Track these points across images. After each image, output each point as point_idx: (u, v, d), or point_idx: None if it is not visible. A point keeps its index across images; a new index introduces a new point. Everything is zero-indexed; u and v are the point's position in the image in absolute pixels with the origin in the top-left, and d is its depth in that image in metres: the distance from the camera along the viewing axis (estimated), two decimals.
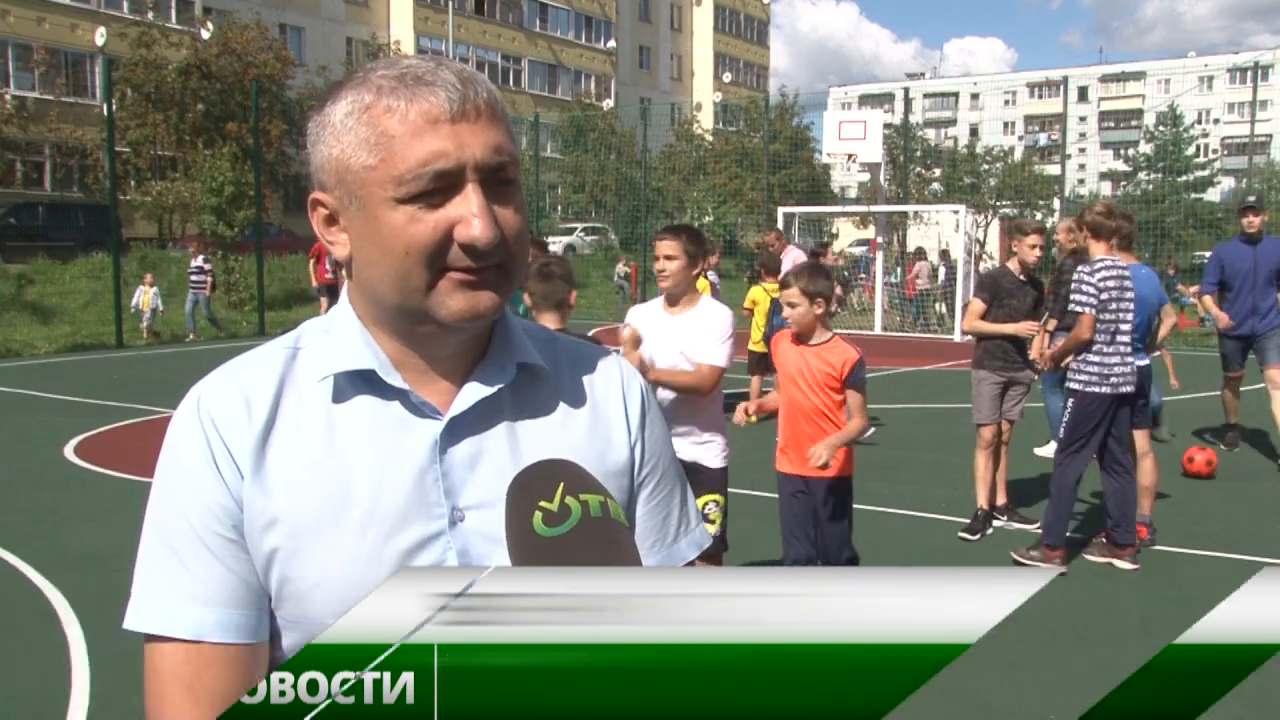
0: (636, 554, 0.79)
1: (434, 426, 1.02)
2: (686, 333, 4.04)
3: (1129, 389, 5.43)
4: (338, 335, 1.05)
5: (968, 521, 6.21)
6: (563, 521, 0.77)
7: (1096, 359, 5.42)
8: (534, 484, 0.81)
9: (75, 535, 6.08)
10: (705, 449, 4.07)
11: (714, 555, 4.01)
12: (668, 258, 4.05)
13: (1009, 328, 6.00)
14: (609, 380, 1.14)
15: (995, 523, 6.29)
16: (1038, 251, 6.02)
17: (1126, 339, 5.43)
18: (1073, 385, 5.54)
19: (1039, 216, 38.99)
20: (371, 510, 0.99)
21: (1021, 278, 6.12)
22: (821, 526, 4.35)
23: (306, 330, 1.08)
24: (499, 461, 1.03)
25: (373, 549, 0.98)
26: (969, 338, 6.78)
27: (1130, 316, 5.44)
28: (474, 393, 1.04)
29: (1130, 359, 5.45)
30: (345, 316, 1.06)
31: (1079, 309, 5.43)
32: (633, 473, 1.12)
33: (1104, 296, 5.37)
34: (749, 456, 6.61)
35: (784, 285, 4.33)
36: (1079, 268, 5.60)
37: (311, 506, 0.98)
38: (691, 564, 1.17)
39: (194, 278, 17.78)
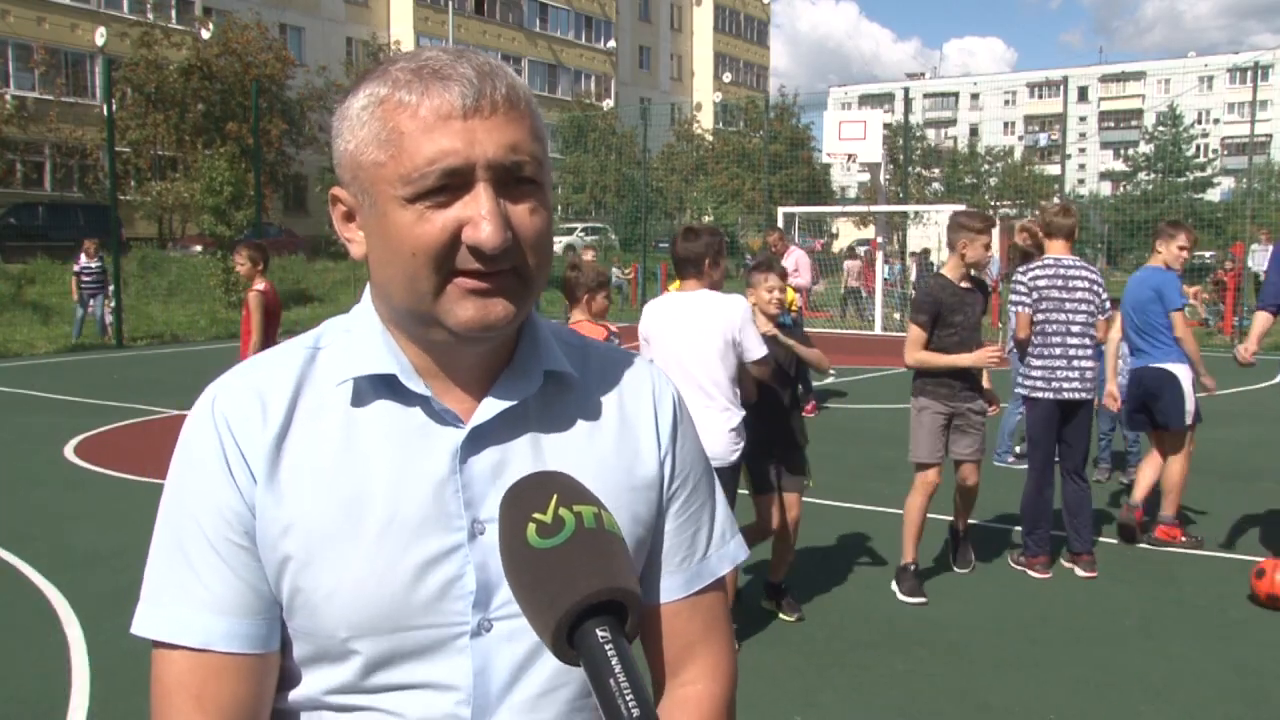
0: (631, 566, 0.77)
1: (455, 435, 0.98)
2: None
3: (1076, 395, 5.30)
4: (359, 337, 1.01)
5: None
6: (556, 533, 0.75)
7: (1039, 362, 5.35)
8: (527, 495, 0.79)
9: (75, 535, 6.08)
10: None
11: None
12: None
13: (965, 359, 5.01)
14: (640, 391, 1.09)
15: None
16: (988, 252, 5.16)
17: (1076, 341, 5.30)
18: (1020, 391, 5.53)
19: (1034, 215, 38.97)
20: (388, 520, 0.95)
21: (964, 284, 5.13)
22: None
23: (328, 329, 1.05)
24: (522, 473, 0.97)
25: (389, 561, 0.95)
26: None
27: (1079, 318, 5.30)
28: (497, 402, 1.00)
29: (1081, 363, 5.31)
30: (367, 317, 1.02)
31: (1014, 308, 5.40)
32: (662, 486, 1.08)
33: (1034, 295, 5.32)
34: None
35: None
36: (1018, 268, 5.59)
37: (326, 514, 0.95)
38: (722, 579, 1.13)
39: (85, 279, 16.59)
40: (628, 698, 0.69)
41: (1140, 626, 4.70)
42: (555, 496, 0.78)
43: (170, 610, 0.95)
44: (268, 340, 6.99)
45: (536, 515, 0.77)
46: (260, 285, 7.00)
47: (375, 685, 0.96)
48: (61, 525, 6.33)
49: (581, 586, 0.73)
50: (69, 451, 8.42)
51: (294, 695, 1.00)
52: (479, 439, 0.99)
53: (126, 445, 8.56)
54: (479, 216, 0.90)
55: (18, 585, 5.22)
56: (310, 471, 0.96)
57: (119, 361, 14.80)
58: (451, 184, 0.90)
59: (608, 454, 1.04)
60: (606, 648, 0.71)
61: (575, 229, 36.62)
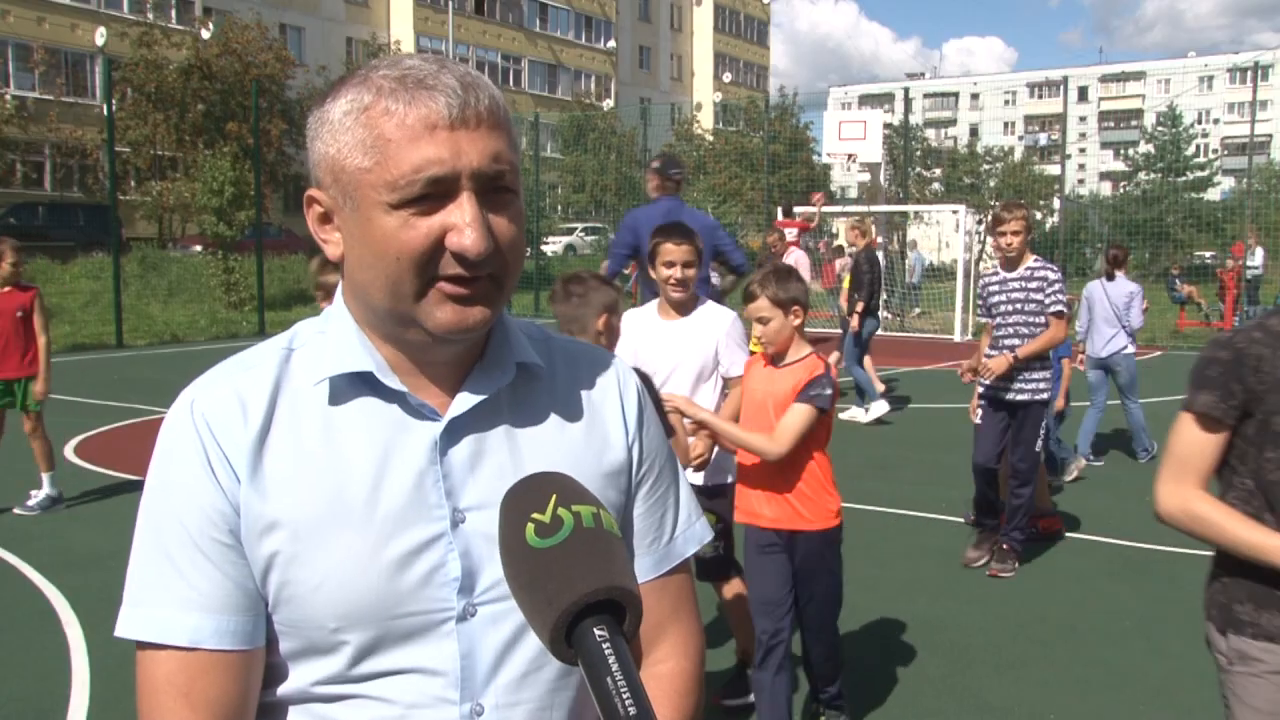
0: (629, 565, 0.78)
1: (433, 428, 1.01)
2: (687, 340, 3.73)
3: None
4: (334, 337, 1.03)
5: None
6: (555, 533, 0.76)
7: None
8: (526, 495, 0.80)
9: (75, 535, 6.08)
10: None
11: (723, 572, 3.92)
12: (685, 265, 3.63)
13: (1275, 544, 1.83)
14: (606, 380, 1.13)
15: None
16: None
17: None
18: (1021, 398, 5.31)
19: (1039, 217, 38.88)
20: (372, 512, 0.98)
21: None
22: (800, 594, 3.38)
23: (301, 331, 1.07)
24: (498, 462, 1.02)
25: (373, 551, 0.97)
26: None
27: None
28: (472, 395, 1.03)
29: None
30: (341, 318, 1.04)
31: (1065, 309, 5.31)
32: (630, 472, 1.11)
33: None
34: None
35: (748, 297, 3.33)
36: (1048, 267, 5.34)
37: (311, 509, 0.97)
38: (689, 560, 1.16)
39: None
40: (625, 697, 0.69)
41: (1140, 626, 4.70)
42: (554, 496, 0.79)
43: (156, 610, 0.96)
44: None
45: (535, 515, 0.77)
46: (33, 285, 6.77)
47: (364, 673, 0.99)
48: (61, 525, 6.34)
49: (580, 586, 0.73)
50: (69, 451, 8.40)
51: (282, 689, 1.01)
52: (456, 431, 1.02)
53: (126, 445, 8.56)
54: (464, 224, 0.93)
55: (18, 585, 5.22)
56: (293, 468, 0.98)
57: (119, 361, 14.80)
58: (436, 192, 0.93)
59: (578, 442, 1.08)
60: (604, 647, 0.72)
61: (575, 229, 36.64)
